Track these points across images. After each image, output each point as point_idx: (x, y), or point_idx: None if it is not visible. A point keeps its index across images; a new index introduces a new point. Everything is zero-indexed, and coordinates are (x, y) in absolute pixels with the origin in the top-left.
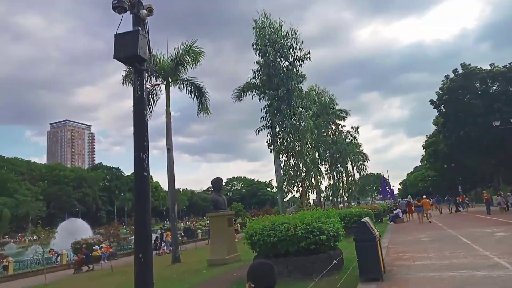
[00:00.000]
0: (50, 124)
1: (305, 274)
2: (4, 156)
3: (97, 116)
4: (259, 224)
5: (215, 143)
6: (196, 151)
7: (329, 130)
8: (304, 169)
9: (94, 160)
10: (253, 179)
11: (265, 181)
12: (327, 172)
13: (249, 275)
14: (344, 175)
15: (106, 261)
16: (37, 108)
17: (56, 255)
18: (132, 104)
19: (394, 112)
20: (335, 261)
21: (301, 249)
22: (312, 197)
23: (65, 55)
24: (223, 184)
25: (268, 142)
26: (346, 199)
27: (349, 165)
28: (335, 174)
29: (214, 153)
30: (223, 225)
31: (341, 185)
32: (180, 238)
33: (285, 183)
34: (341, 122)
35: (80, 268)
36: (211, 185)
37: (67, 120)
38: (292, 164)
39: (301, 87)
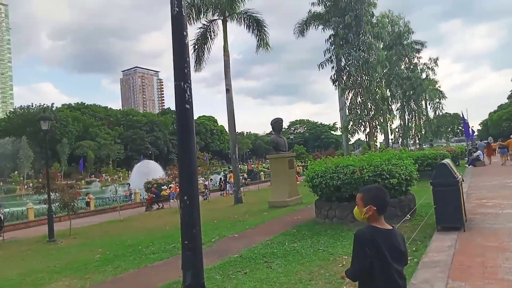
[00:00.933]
0: (122, 71)
1: None
2: (85, 103)
3: (163, 62)
4: (321, 166)
5: (278, 85)
6: (258, 94)
7: (402, 64)
8: (372, 107)
9: (164, 105)
10: (316, 122)
11: (329, 124)
12: (398, 111)
13: (371, 198)
14: (417, 114)
15: (174, 200)
16: (110, 56)
17: (130, 193)
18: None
19: (477, 43)
20: (408, 215)
21: None
22: (380, 139)
23: (130, 1)
24: (285, 127)
25: (333, 77)
26: (418, 140)
27: (423, 103)
28: (407, 113)
29: (277, 95)
30: (283, 167)
31: (413, 125)
32: (243, 180)
33: (351, 123)
34: (416, 55)
35: (151, 206)
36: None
37: (137, 67)
38: (359, 101)
39: (372, 12)
